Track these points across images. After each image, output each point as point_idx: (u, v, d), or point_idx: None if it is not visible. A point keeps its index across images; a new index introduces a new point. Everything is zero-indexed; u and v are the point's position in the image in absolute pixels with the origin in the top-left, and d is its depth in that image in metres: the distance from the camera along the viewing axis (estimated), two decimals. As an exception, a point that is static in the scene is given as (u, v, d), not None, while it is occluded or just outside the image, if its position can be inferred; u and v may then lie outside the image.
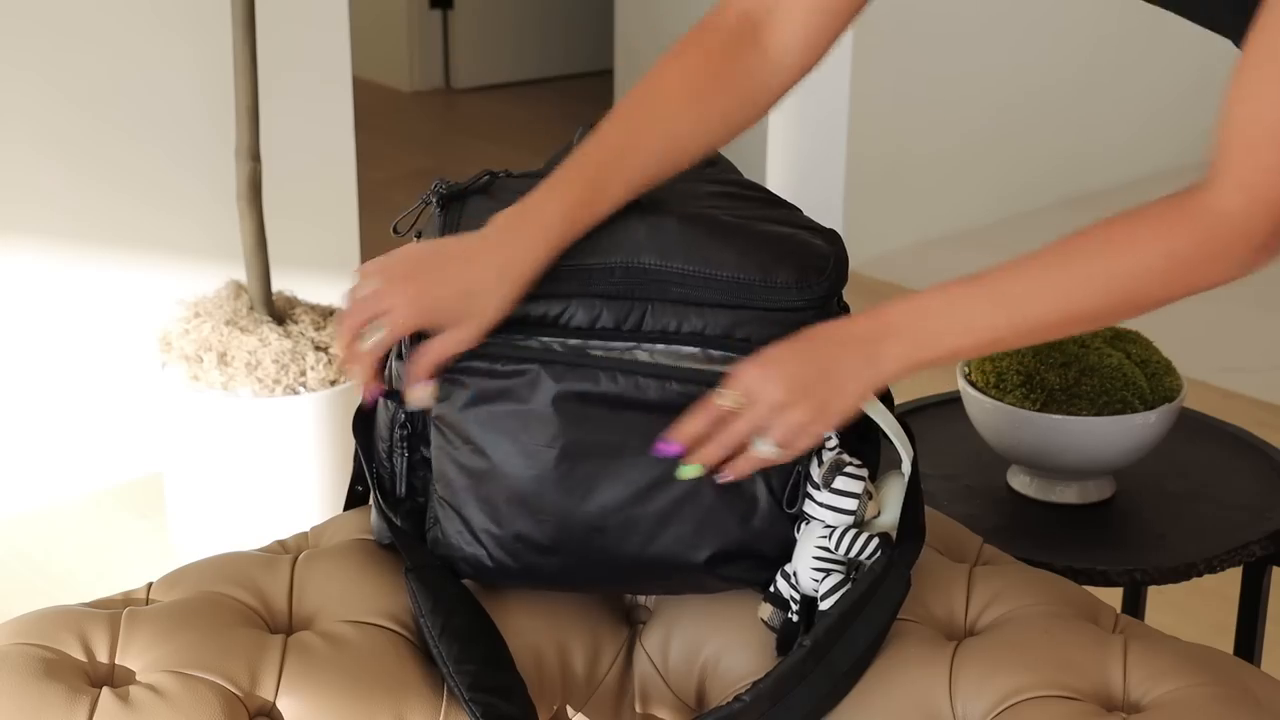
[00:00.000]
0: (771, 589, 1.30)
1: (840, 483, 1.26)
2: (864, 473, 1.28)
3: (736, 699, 1.23)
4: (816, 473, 1.26)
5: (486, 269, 1.24)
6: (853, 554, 1.26)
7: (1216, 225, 1.14)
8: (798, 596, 1.28)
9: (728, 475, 1.24)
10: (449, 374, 1.27)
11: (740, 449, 1.23)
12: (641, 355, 1.26)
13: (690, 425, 1.23)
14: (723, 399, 1.22)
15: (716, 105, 1.33)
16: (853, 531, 1.26)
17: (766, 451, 1.23)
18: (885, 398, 1.31)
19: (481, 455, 1.27)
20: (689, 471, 1.24)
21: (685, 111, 1.32)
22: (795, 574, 1.28)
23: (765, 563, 1.30)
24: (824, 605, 1.26)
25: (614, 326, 1.26)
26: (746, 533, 1.28)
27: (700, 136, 1.33)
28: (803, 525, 1.28)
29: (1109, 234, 1.18)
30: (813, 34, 1.33)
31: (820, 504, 1.27)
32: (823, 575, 1.27)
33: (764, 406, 1.21)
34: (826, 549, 1.26)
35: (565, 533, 1.27)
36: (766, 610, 1.30)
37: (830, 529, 1.27)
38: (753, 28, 1.33)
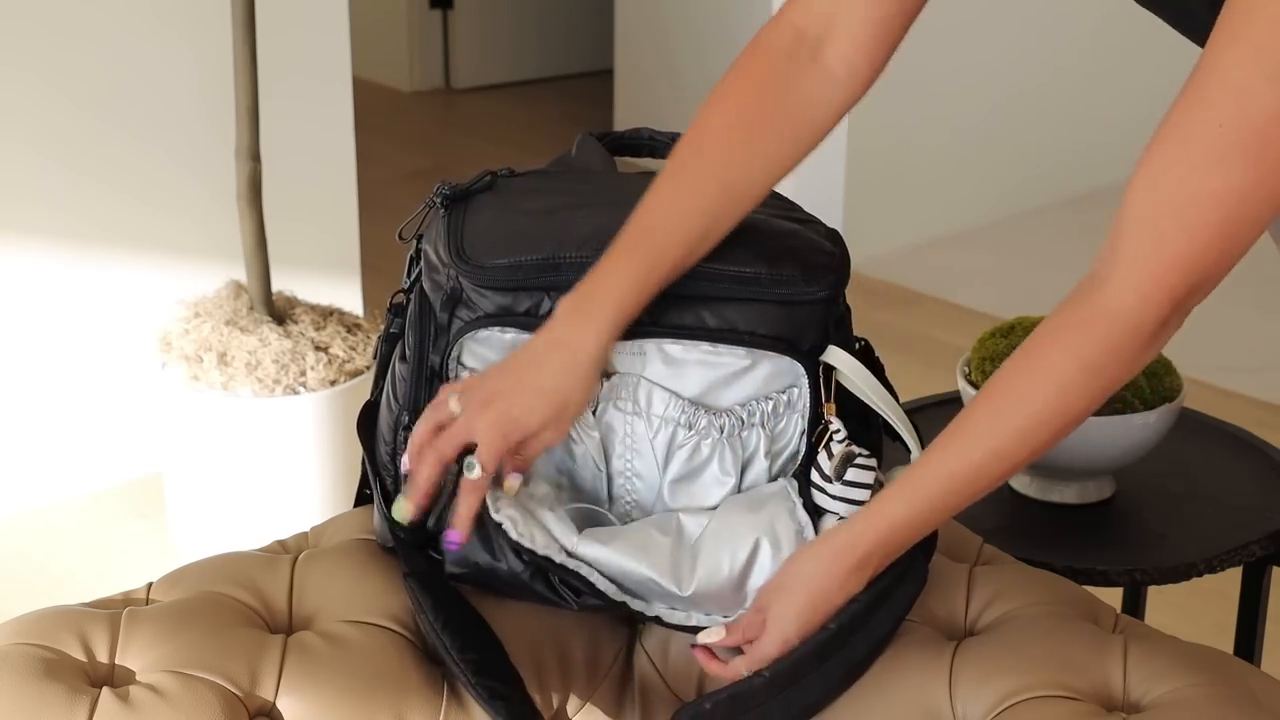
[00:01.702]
0: None
1: (852, 474, 1.27)
2: (874, 463, 1.29)
3: (756, 675, 1.23)
4: (827, 466, 1.27)
5: (560, 370, 1.24)
6: None
7: (1112, 326, 1.13)
8: None
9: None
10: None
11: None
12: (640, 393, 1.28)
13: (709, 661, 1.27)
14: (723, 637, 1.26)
15: (772, 141, 1.30)
16: None
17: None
18: (891, 391, 1.32)
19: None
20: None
21: (739, 156, 1.29)
22: None
23: None
24: None
25: None
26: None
27: (758, 176, 1.30)
28: (814, 520, 1.29)
29: (1024, 364, 1.18)
30: (872, 44, 1.30)
31: (833, 496, 1.28)
32: None
33: (767, 650, 1.24)
34: None
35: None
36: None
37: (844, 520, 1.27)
38: (810, 45, 1.30)
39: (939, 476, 1.21)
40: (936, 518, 1.24)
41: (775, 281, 1.26)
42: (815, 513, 1.29)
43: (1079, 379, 1.16)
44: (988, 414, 1.20)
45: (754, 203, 1.30)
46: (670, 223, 1.26)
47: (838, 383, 1.30)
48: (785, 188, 1.35)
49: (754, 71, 1.31)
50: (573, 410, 1.26)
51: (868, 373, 1.30)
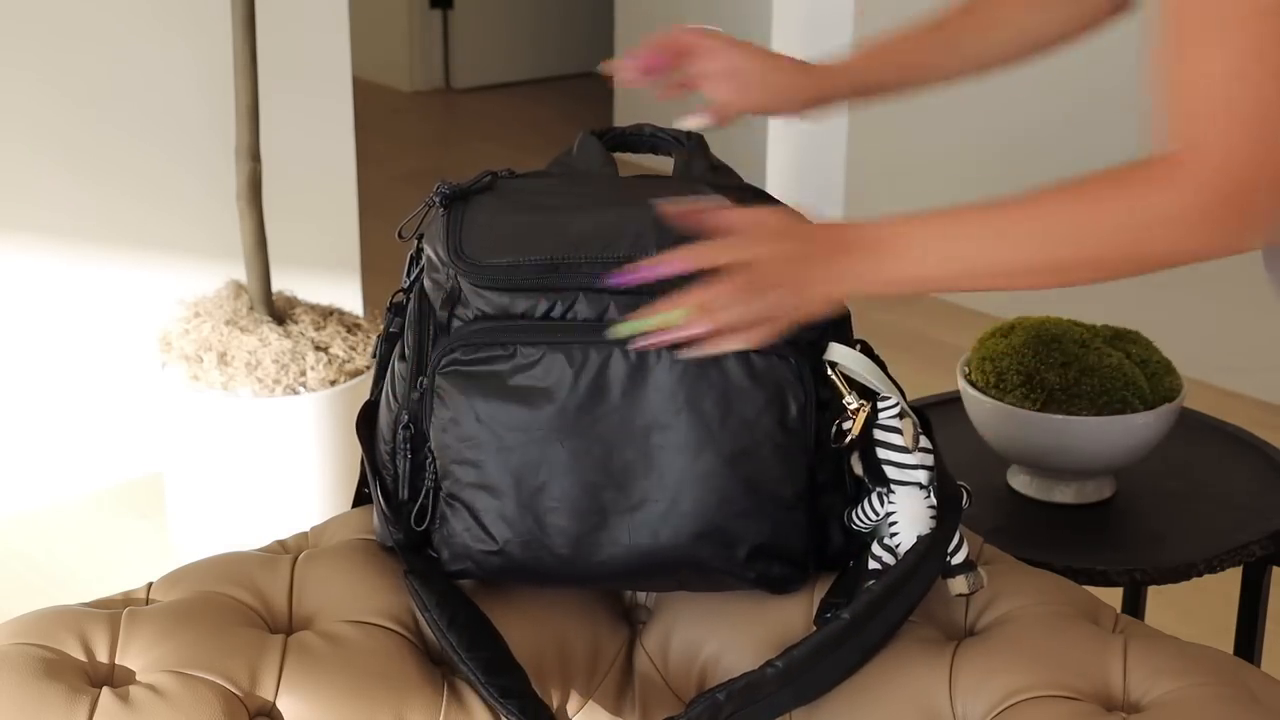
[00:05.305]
0: (878, 565, 1.30)
1: (923, 441, 1.30)
2: None
3: (769, 665, 1.22)
4: (900, 439, 1.29)
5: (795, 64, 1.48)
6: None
7: (1170, 185, 1.13)
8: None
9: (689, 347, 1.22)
10: (454, 368, 1.26)
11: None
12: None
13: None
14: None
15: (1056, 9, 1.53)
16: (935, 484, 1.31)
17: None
18: (898, 387, 1.32)
19: (491, 446, 1.27)
20: (624, 329, 1.22)
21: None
22: (899, 546, 1.29)
23: (790, 560, 1.31)
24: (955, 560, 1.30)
25: (620, 318, 1.26)
26: (772, 527, 1.28)
27: (1032, 31, 1.57)
28: (886, 497, 1.30)
29: (1083, 188, 1.17)
30: None
31: (913, 466, 1.30)
32: None
33: (742, 245, 1.21)
34: (933, 505, 1.30)
35: (580, 523, 1.28)
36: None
37: (926, 487, 1.30)
38: None
39: (966, 229, 1.19)
40: (935, 270, 1.21)
41: None
42: (886, 486, 1.30)
43: (1123, 220, 1.15)
44: (1029, 211, 1.18)
45: (1040, 49, 1.62)
46: (939, 26, 1.58)
47: (844, 377, 1.30)
48: (785, 187, 1.36)
49: None
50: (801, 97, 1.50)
51: (872, 365, 1.30)
